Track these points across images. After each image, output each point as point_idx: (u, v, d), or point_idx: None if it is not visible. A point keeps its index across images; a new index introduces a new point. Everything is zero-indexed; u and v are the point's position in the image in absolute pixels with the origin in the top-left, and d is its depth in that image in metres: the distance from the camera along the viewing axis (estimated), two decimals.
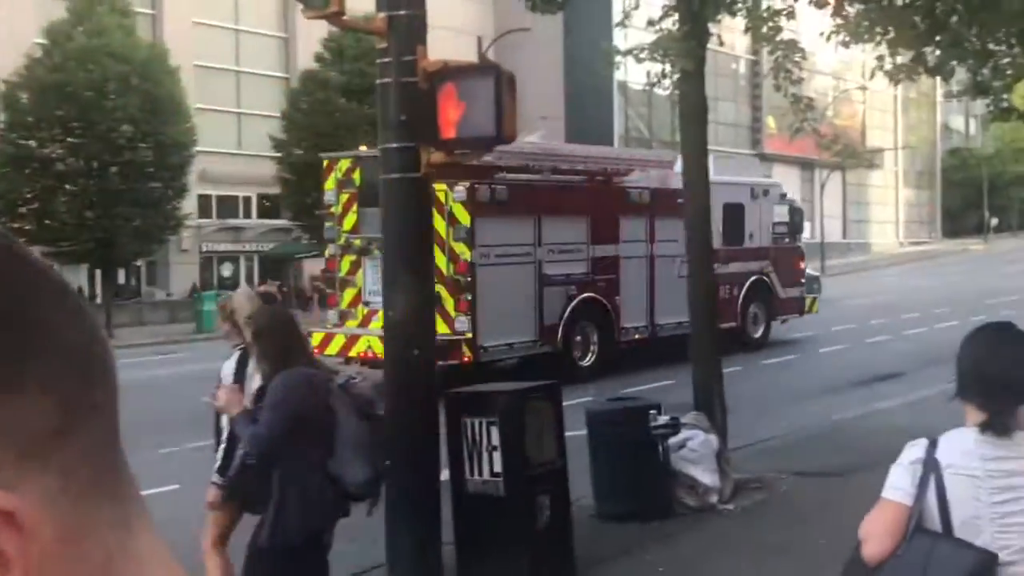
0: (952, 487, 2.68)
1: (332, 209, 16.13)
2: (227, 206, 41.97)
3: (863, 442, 10.75)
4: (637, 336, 17.82)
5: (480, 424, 6.87)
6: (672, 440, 8.53)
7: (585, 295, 16.87)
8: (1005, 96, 13.63)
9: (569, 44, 49.73)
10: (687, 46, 8.67)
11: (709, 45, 9.18)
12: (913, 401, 13.78)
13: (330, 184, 16.15)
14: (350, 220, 16.02)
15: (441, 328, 14.54)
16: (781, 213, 21.43)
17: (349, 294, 16.19)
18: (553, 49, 49.92)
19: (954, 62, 11.92)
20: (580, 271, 16.90)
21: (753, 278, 20.60)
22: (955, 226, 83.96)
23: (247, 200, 42.71)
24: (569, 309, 16.62)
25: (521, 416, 6.93)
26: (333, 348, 15.51)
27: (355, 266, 16.05)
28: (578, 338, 16.92)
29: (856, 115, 72.50)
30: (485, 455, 6.85)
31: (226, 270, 42.05)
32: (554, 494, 7.07)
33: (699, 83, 9.24)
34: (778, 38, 8.71)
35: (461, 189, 15.03)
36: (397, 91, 5.97)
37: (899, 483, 2.75)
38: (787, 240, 21.56)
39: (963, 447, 2.70)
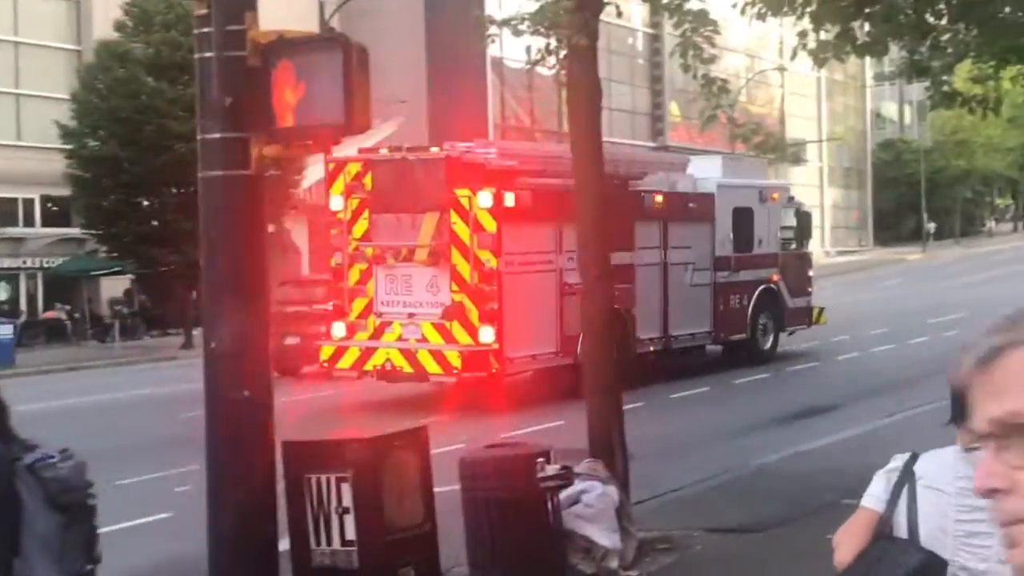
0: (922, 499, 3.26)
1: (339, 215, 18.48)
2: (2, 212, 40.59)
3: (789, 490, 11.03)
4: (652, 348, 20.51)
5: (328, 481, 6.78)
6: (564, 494, 8.59)
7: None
8: (946, 78, 14.20)
9: (432, 12, 49.92)
10: (579, 17, 8.79)
11: (603, 16, 9.33)
12: (846, 439, 14.22)
13: (337, 188, 18.47)
14: (361, 227, 18.35)
15: (463, 339, 17.47)
16: (789, 217, 24.70)
17: (359, 305, 18.49)
18: (412, 18, 50.02)
19: (887, 39, 12.37)
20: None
21: (762, 287, 23.42)
22: (889, 232, 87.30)
23: (28, 204, 41.40)
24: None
25: (379, 470, 6.86)
26: (346, 362, 18.21)
27: (365, 275, 18.45)
28: None
29: (773, 100, 74.73)
30: (335, 519, 6.76)
31: (2, 292, 40.65)
32: (420, 564, 7.02)
33: (591, 61, 9.35)
34: (685, 7, 8.90)
35: (487, 195, 17.48)
36: (220, 68, 5.87)
37: (873, 490, 3.39)
38: (795, 246, 24.83)
39: (941, 462, 3.27)
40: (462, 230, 17.69)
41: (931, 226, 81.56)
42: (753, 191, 23.43)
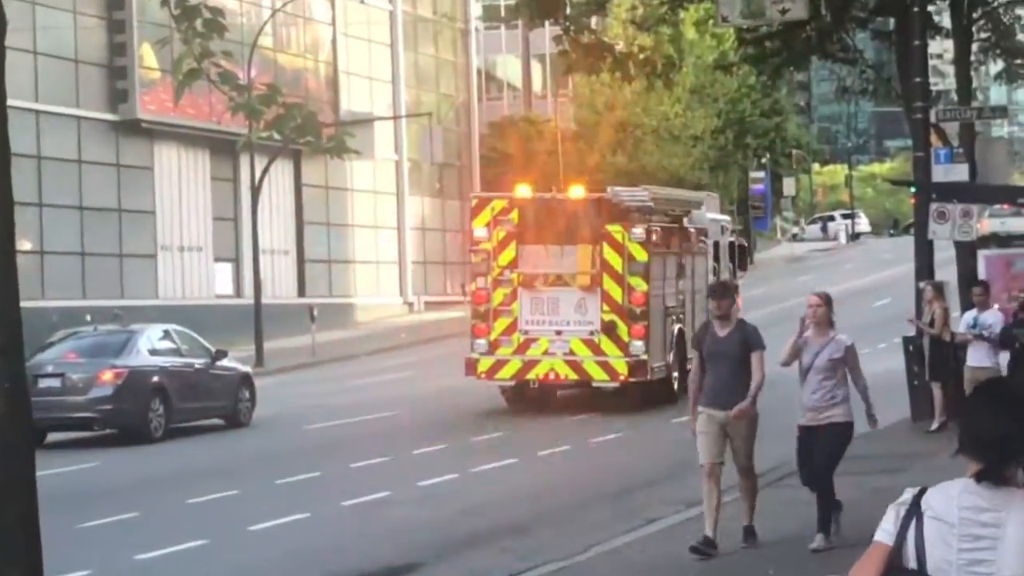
0: (928, 531, 5.50)
1: (483, 245, 34.92)
2: None
3: None
4: (689, 366, 34.76)
5: None
6: None
7: (679, 326, 36.59)
8: (590, 21, 14.94)
9: None
10: None
11: None
12: None
13: (482, 221, 35.03)
14: (507, 256, 34.47)
15: (612, 352, 34.06)
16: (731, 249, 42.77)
17: (502, 324, 34.62)
18: None
19: None
20: (674, 304, 36.80)
21: None
22: None
23: None
24: (675, 336, 36.25)
25: None
26: (507, 372, 34.74)
27: (509, 298, 34.57)
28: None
29: (321, 47, 75.80)
30: None
31: None
32: None
33: None
34: None
35: (640, 231, 34.25)
36: None
37: (884, 524, 5.63)
38: (733, 277, 41.12)
39: (947, 494, 5.56)
40: (615, 260, 34.10)
41: None
42: (718, 225, 41.62)
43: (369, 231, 79.43)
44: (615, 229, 34.12)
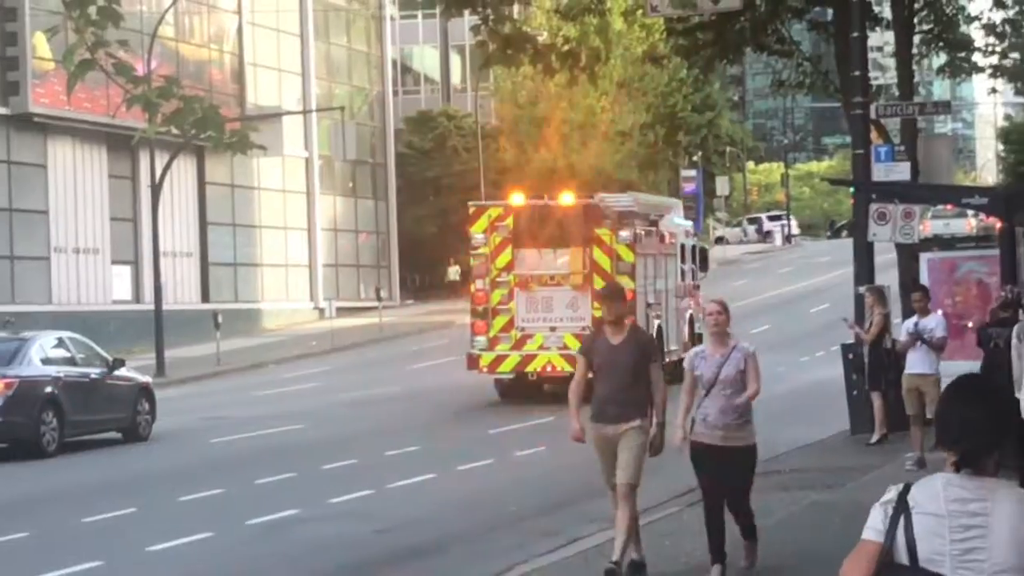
0: (919, 525, 6.04)
1: (481, 249, 40.03)
2: None
3: None
4: (667, 360, 38.08)
5: None
6: None
7: (659, 322, 42.36)
8: (511, 10, 14.95)
9: None
10: None
11: None
12: None
13: (479, 227, 40.16)
14: (504, 259, 39.74)
15: None
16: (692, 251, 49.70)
17: (500, 321, 39.87)
18: None
19: None
20: (654, 302, 42.41)
21: (689, 312, 46.65)
22: (430, 274, 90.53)
23: None
24: (656, 332, 40.44)
25: None
26: (507, 366, 40.02)
27: (506, 298, 39.88)
28: None
29: (226, 37, 75.56)
30: None
31: None
32: None
33: None
34: None
35: (627, 234, 40.16)
36: None
37: (871, 522, 6.16)
38: (694, 278, 49.27)
39: (932, 489, 6.11)
40: (604, 260, 39.42)
41: (455, 268, 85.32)
42: (683, 229, 48.48)
43: (277, 232, 79.31)
44: (603, 232, 39.70)
